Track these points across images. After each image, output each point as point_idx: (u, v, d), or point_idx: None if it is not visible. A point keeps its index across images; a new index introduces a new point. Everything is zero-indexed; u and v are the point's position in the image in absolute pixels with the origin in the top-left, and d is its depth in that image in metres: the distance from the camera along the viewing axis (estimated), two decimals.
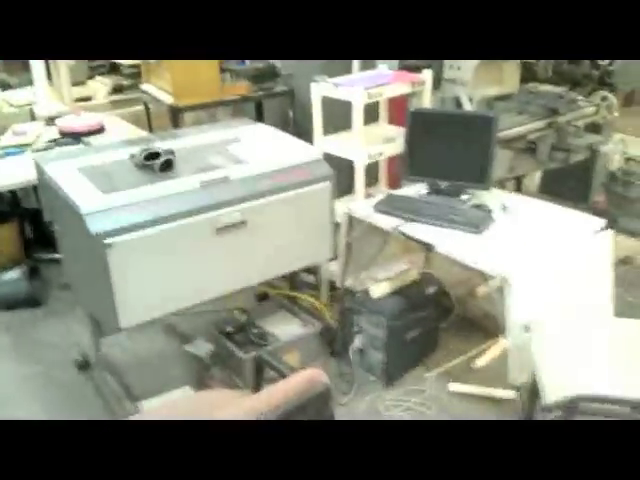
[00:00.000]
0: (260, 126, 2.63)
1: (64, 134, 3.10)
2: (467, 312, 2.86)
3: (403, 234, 2.19)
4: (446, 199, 2.35)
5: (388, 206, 2.30)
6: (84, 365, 2.49)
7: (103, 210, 1.88)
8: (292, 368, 1.48)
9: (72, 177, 2.05)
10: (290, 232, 2.25)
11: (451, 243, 2.07)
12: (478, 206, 2.30)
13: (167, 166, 2.13)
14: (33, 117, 3.52)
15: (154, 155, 2.14)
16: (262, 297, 2.83)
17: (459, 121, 2.37)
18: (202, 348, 2.54)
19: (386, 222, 2.24)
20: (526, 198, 2.39)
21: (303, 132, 3.08)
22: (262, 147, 2.39)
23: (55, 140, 3.03)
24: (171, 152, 2.17)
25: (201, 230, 2.04)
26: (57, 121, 3.21)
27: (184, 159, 2.24)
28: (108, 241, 1.86)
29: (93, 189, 1.97)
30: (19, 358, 2.63)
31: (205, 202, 2.04)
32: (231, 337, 2.33)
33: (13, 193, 3.26)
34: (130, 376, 2.46)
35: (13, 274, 2.90)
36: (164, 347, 2.68)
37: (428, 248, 2.14)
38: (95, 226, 1.85)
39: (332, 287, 2.86)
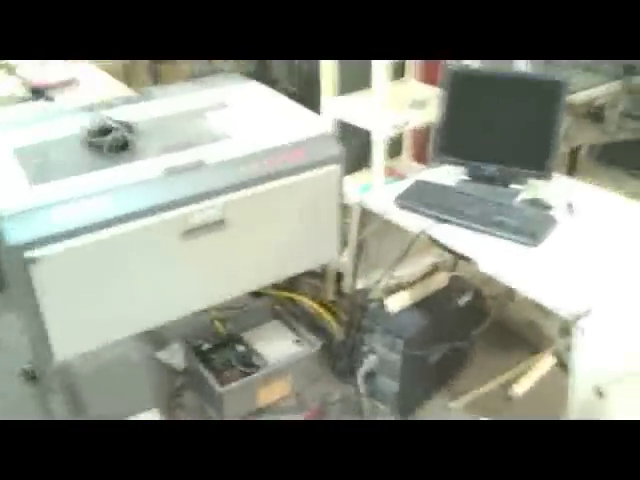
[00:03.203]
0: (254, 85, 2.08)
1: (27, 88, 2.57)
2: (504, 319, 2.35)
3: (433, 240, 1.65)
4: (492, 190, 1.79)
5: (414, 199, 1.75)
6: (32, 376, 2.05)
7: (27, 210, 1.39)
8: None
9: (1, 160, 1.55)
10: (284, 230, 1.75)
11: (500, 258, 1.53)
12: (534, 202, 1.74)
13: (122, 145, 1.61)
14: None
15: (105, 131, 1.62)
16: (256, 294, 2.34)
17: (516, 86, 1.77)
18: (177, 356, 2.11)
19: (411, 221, 1.70)
20: (599, 192, 1.81)
21: (313, 84, 2.51)
22: (253, 116, 1.85)
23: (12, 97, 2.50)
24: (128, 126, 1.64)
25: (164, 233, 1.54)
26: (17, 71, 2.67)
27: (148, 134, 1.72)
28: (32, 254, 1.37)
29: (22, 178, 1.48)
30: None
31: (170, 196, 1.54)
32: (207, 357, 1.87)
33: None
34: (88, 392, 2.03)
35: None
36: (133, 353, 2.22)
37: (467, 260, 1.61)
38: (14, 233, 1.37)
39: (340, 278, 2.35)
